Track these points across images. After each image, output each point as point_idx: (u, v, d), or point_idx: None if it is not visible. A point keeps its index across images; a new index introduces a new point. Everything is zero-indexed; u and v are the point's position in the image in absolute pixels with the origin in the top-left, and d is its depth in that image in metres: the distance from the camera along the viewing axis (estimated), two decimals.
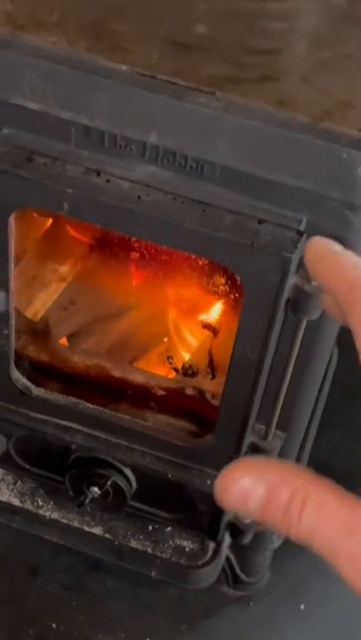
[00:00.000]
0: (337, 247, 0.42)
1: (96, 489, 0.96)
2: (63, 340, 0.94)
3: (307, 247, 0.42)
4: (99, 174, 0.73)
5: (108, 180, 0.73)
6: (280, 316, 0.75)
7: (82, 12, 0.76)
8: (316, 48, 0.77)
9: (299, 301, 0.73)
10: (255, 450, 0.89)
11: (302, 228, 0.72)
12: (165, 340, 0.93)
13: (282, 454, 0.92)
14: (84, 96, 0.71)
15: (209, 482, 0.92)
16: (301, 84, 0.72)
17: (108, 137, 0.72)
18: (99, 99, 0.71)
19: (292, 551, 1.16)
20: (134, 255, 0.89)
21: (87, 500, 0.97)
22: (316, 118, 0.69)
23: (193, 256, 0.83)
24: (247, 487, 0.36)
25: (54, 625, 1.08)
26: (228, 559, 1.09)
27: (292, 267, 0.71)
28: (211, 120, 0.69)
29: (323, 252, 0.41)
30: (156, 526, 1.05)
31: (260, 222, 0.71)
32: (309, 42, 0.78)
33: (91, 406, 0.92)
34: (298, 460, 1.13)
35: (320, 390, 1.21)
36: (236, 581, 1.12)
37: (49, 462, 1.00)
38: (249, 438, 0.88)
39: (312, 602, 1.13)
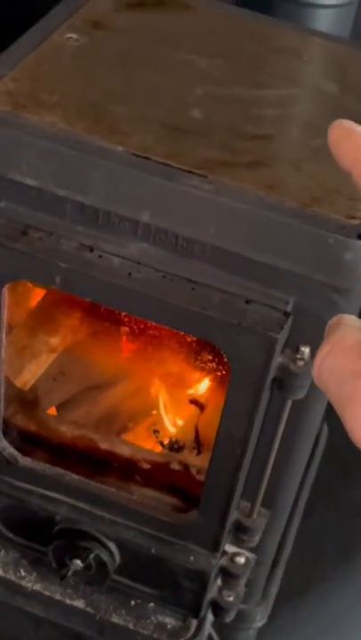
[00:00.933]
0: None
1: (79, 562, 0.95)
2: (52, 410, 0.94)
3: (331, 128, 0.42)
4: (92, 250, 0.74)
5: (100, 256, 0.74)
6: (266, 395, 0.76)
7: (81, 94, 0.78)
8: (308, 135, 0.79)
9: (285, 381, 0.74)
10: (239, 527, 0.89)
11: (289, 308, 0.73)
12: (154, 412, 0.93)
13: (266, 532, 0.92)
14: (80, 174, 0.73)
15: (192, 558, 0.92)
16: (292, 170, 0.75)
17: (103, 214, 0.74)
18: (94, 177, 0.73)
19: (277, 630, 1.14)
20: (124, 329, 0.90)
21: (69, 573, 0.96)
22: (304, 204, 0.71)
23: (181, 332, 0.84)
24: None
25: None
26: (210, 638, 1.07)
27: (278, 346, 0.72)
28: (202, 202, 0.71)
29: (346, 133, 0.40)
30: (139, 601, 1.04)
31: (247, 302, 0.73)
32: (301, 129, 0.80)
33: (76, 477, 0.92)
34: (283, 538, 1.12)
35: (308, 467, 1.21)
36: None
37: (33, 533, 1.00)
38: (233, 515, 0.88)
39: None
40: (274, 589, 1.09)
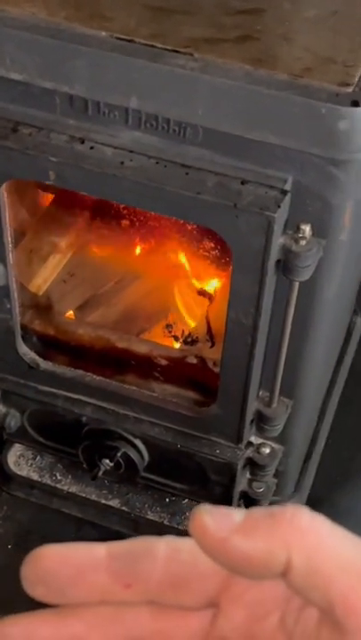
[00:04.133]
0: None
1: (108, 461, 0.97)
2: (70, 314, 0.95)
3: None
4: (83, 142, 0.73)
5: (92, 147, 0.73)
6: (271, 279, 0.75)
7: None
8: (301, 7, 0.76)
9: (288, 262, 0.73)
10: (261, 417, 0.89)
11: (287, 187, 0.71)
12: (168, 310, 0.93)
13: (290, 422, 0.91)
14: (65, 64, 0.71)
15: (218, 450, 0.92)
16: (282, 42, 0.72)
17: (92, 104, 0.72)
18: (79, 66, 0.71)
19: None
20: (129, 227, 0.89)
21: (100, 473, 0.98)
22: (295, 75, 0.68)
23: (185, 222, 0.83)
24: None
25: None
26: None
27: (277, 227, 0.70)
28: (188, 81, 0.69)
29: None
30: (173, 498, 1.06)
31: (243, 183, 0.71)
32: (294, 1, 0.76)
33: (97, 378, 0.92)
34: (316, 431, 1.12)
35: (341, 360, 1.20)
36: None
37: (63, 436, 1.01)
38: (253, 405, 0.87)
39: None
40: (307, 482, 1.09)
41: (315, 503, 1.14)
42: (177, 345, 0.94)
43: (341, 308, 0.95)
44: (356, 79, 0.68)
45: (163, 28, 0.72)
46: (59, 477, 1.08)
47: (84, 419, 0.96)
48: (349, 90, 0.67)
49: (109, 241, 0.92)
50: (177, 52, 0.70)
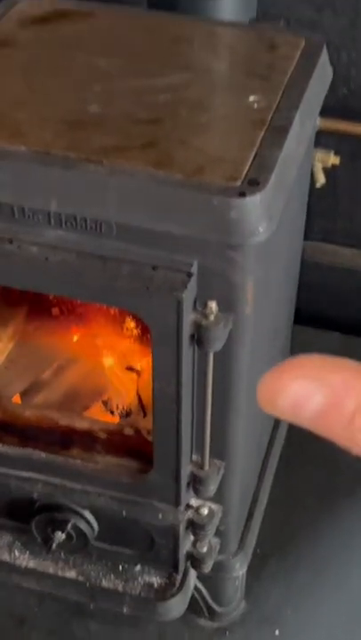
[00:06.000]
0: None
1: (60, 533, 1.04)
2: (16, 398, 1.03)
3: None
4: (11, 242, 0.83)
5: (19, 246, 0.83)
6: (187, 351, 0.84)
7: None
8: (196, 114, 0.87)
9: (200, 335, 0.82)
10: (195, 480, 0.97)
11: (193, 269, 0.81)
12: (105, 386, 1.02)
13: (225, 482, 0.99)
14: None
15: (160, 515, 1.00)
16: (179, 146, 0.82)
17: (17, 209, 0.82)
18: (4, 178, 0.81)
19: (268, 577, 1.22)
20: (62, 313, 0.98)
21: (54, 545, 1.05)
22: (189, 174, 0.79)
23: (108, 306, 0.92)
24: (303, 393, 0.31)
25: None
26: (199, 591, 1.15)
27: (187, 305, 0.80)
28: (100, 184, 0.79)
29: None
30: (126, 565, 1.12)
31: (154, 268, 0.80)
32: (190, 109, 0.88)
33: (45, 455, 1.00)
34: (257, 490, 1.20)
35: (277, 423, 1.28)
36: (211, 612, 1.18)
37: (17, 513, 1.08)
38: (187, 469, 0.95)
39: (287, 628, 1.18)
40: (251, 539, 1.16)
41: (261, 558, 1.21)
42: (114, 418, 1.02)
43: (261, 374, 1.04)
44: (244, 174, 0.79)
45: (76, 139, 0.83)
46: (17, 554, 1.14)
47: (34, 495, 1.03)
48: (238, 184, 0.78)
49: (46, 328, 1.01)
50: (89, 160, 0.80)
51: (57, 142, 0.82)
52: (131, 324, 0.95)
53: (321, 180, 1.23)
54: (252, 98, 0.88)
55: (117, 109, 0.87)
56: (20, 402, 1.03)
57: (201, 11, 1.13)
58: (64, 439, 1.01)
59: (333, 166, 1.23)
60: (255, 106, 0.87)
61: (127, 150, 0.82)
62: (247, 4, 1.17)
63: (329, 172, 1.24)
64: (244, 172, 0.79)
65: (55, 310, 0.97)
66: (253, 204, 0.77)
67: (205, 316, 0.81)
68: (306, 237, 1.23)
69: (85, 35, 1.00)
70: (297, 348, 1.28)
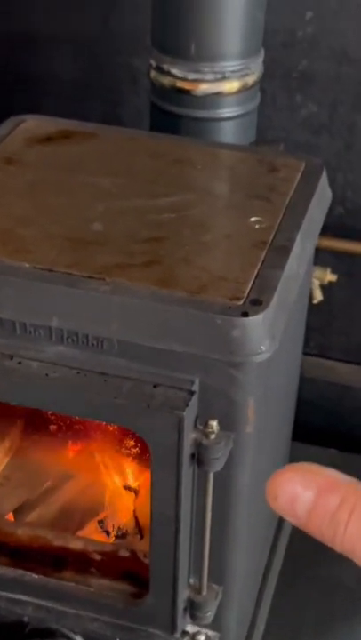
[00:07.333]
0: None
1: None
2: (9, 516, 1.00)
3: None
4: (12, 358, 0.82)
5: (19, 362, 0.82)
6: (187, 471, 0.82)
7: None
8: (198, 233, 0.88)
9: (201, 455, 0.81)
10: (192, 605, 0.93)
11: (195, 387, 0.80)
12: (102, 505, 0.99)
13: (222, 607, 0.96)
14: None
15: None
16: (182, 264, 0.83)
17: (19, 325, 0.82)
18: (6, 294, 0.82)
19: None
20: (59, 429, 0.97)
21: None
22: (192, 292, 0.79)
23: (107, 423, 0.91)
24: (296, 491, 0.36)
25: None
26: None
27: (188, 423, 0.79)
28: (101, 302, 0.79)
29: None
30: None
31: (155, 386, 0.80)
32: (192, 228, 0.89)
33: (37, 577, 0.96)
34: (254, 615, 1.16)
35: (275, 543, 1.25)
36: None
37: (8, 637, 1.03)
38: (184, 593, 0.92)
39: None
40: None
41: None
42: (109, 539, 0.99)
43: (261, 494, 1.01)
44: (246, 293, 0.80)
45: (79, 257, 0.84)
46: None
47: (25, 618, 0.99)
48: (240, 303, 0.78)
49: (42, 445, 1.00)
50: (91, 277, 0.81)
51: (60, 259, 0.83)
52: (130, 442, 0.94)
53: (318, 296, 1.24)
54: (253, 219, 0.90)
55: (120, 228, 0.88)
56: (12, 519, 1.00)
57: (203, 134, 1.17)
58: (57, 560, 0.98)
59: (330, 283, 1.25)
60: (257, 226, 0.89)
61: (130, 268, 0.82)
62: (248, 127, 1.21)
63: (326, 288, 1.25)
64: (247, 291, 0.80)
65: (53, 426, 0.96)
66: (256, 323, 0.77)
67: (206, 435, 0.80)
68: (302, 352, 1.23)
69: (89, 155, 1.02)
70: None
